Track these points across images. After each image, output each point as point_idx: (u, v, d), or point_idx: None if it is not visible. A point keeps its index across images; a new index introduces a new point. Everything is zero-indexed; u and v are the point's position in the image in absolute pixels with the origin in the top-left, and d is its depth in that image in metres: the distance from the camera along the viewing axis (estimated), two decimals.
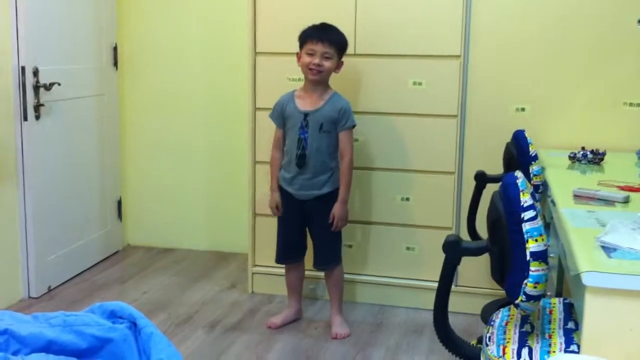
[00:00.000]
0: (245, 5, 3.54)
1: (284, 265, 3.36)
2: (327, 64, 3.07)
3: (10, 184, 3.45)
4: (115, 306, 1.61)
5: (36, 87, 3.49)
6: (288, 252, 3.30)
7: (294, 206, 3.20)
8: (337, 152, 3.15)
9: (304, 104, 3.14)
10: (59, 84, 3.61)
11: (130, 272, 4.01)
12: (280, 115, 3.19)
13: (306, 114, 3.11)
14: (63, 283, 3.79)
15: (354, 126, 3.16)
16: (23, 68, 3.42)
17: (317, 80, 3.09)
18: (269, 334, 3.22)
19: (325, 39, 3.06)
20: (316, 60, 3.05)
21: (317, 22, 3.17)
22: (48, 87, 3.54)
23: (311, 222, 3.24)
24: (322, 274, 3.39)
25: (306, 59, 3.07)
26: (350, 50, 3.37)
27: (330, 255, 3.25)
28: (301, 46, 3.12)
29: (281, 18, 3.46)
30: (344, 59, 3.17)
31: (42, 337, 1.48)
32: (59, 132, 3.73)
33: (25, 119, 3.46)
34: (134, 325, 1.59)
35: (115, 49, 4.21)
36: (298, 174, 3.14)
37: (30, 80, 3.46)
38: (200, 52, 4.24)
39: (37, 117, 3.52)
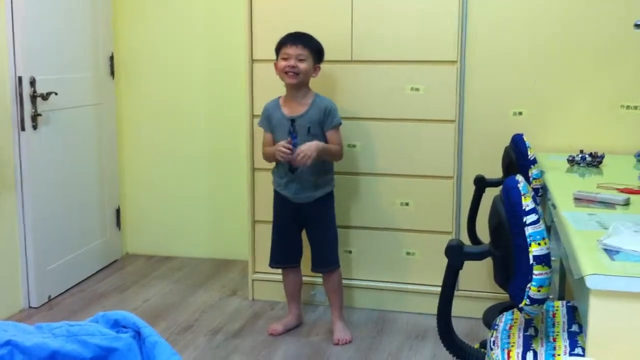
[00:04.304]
0: (242, 13, 3.55)
1: (281, 271, 3.35)
2: (302, 65, 3.09)
3: (8, 194, 3.44)
4: (119, 315, 1.60)
5: (33, 97, 3.49)
6: (281, 256, 3.30)
7: (289, 210, 3.21)
8: None
9: (290, 110, 3.16)
10: (56, 94, 3.61)
11: (130, 281, 4.01)
12: (267, 120, 3.22)
13: (293, 120, 3.13)
14: (63, 292, 3.78)
15: (340, 124, 3.16)
16: (20, 78, 3.42)
17: (295, 83, 3.12)
18: (271, 341, 3.21)
19: (298, 42, 3.11)
20: (291, 63, 3.08)
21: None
22: (45, 97, 3.54)
23: (308, 225, 3.24)
24: (321, 280, 3.39)
25: (281, 63, 3.12)
26: (347, 56, 3.39)
27: (328, 258, 3.25)
28: (277, 55, 3.16)
29: (277, 25, 3.46)
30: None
31: (46, 348, 1.47)
32: (57, 142, 3.73)
33: (23, 129, 3.46)
34: (138, 335, 1.58)
35: (111, 58, 4.21)
36: (292, 179, 3.14)
37: (27, 90, 3.46)
38: (196, 60, 4.24)
39: (35, 127, 3.52)
